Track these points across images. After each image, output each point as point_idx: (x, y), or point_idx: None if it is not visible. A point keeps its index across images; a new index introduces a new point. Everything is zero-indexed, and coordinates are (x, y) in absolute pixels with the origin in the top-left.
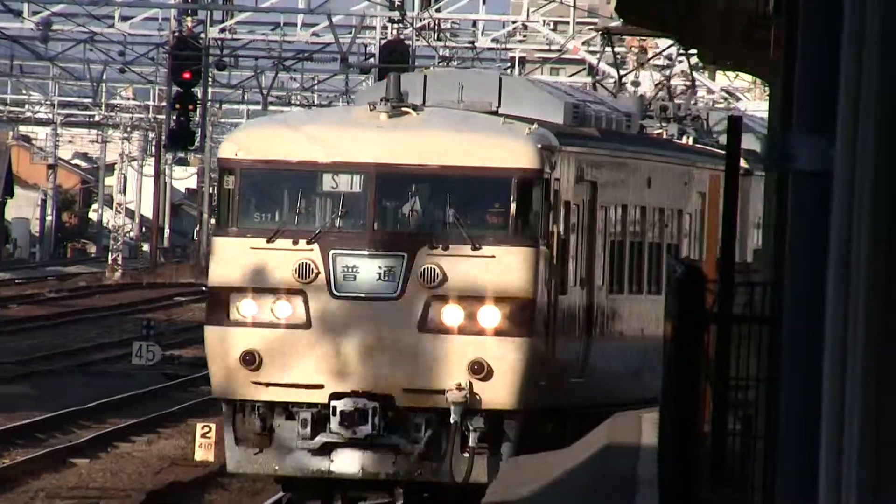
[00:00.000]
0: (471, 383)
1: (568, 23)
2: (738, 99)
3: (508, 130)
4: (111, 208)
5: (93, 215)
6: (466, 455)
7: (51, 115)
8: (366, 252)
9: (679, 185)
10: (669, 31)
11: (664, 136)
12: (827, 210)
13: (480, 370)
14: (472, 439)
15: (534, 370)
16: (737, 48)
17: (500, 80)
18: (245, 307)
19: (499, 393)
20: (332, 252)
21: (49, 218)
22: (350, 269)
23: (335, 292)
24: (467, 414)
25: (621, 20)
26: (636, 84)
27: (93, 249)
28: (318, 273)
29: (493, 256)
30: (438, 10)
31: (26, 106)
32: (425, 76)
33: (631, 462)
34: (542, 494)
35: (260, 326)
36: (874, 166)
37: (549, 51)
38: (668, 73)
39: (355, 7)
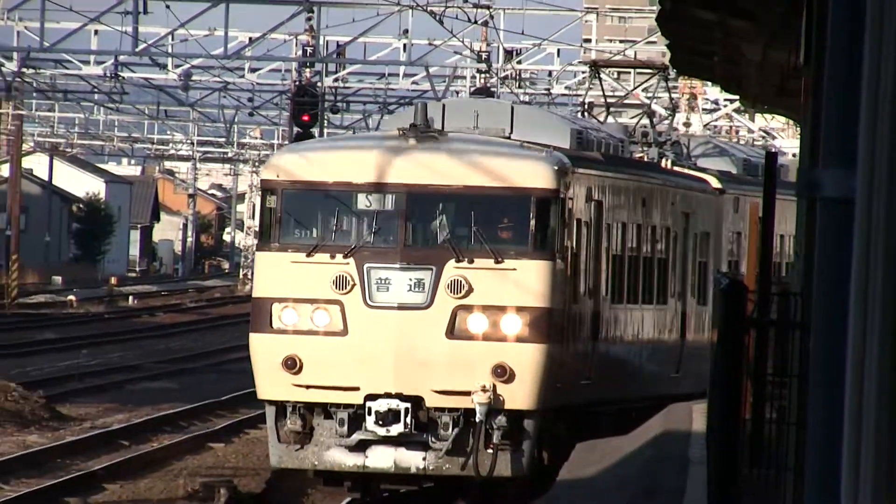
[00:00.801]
0: (494, 385)
1: (630, 72)
2: (774, 137)
3: (527, 154)
4: (242, 231)
5: (226, 237)
6: (490, 451)
7: (191, 153)
8: (397, 265)
9: (667, 205)
10: (716, 80)
11: (645, 160)
12: (849, 231)
13: (503, 373)
14: (495, 437)
15: (551, 373)
16: (772, 94)
17: (512, 108)
18: (286, 316)
19: (519, 394)
20: (366, 265)
21: (189, 239)
22: (383, 281)
23: (370, 302)
24: (491, 413)
25: (676, 71)
26: (687, 125)
27: (226, 266)
28: (354, 285)
29: (515, 269)
30: (519, 63)
31: (170, 144)
32: (444, 105)
33: (683, 445)
34: (608, 473)
35: (300, 334)
36: (888, 194)
37: (613, 96)
38: (651, 98)
39: (449, 60)
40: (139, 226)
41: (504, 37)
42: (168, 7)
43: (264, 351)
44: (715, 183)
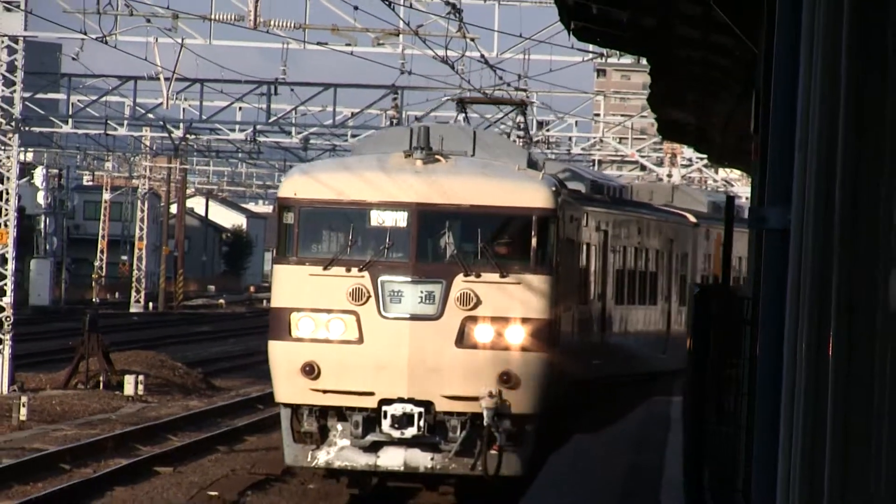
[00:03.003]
0: (500, 391)
1: (628, 138)
2: (732, 185)
3: (526, 176)
4: None
5: None
6: (495, 452)
7: None
8: (410, 279)
9: (658, 233)
10: (690, 143)
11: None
12: (786, 253)
13: (508, 380)
14: (500, 439)
15: (551, 380)
16: (731, 153)
17: (474, 133)
18: (304, 325)
19: (523, 400)
20: (380, 278)
21: None
22: (396, 294)
23: (383, 313)
24: (497, 417)
25: (662, 138)
26: (669, 175)
27: None
28: (370, 296)
29: (518, 283)
30: (548, 130)
31: None
32: (411, 129)
33: (666, 409)
34: (614, 427)
35: (318, 342)
36: (814, 226)
37: (616, 155)
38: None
39: (496, 129)
40: (272, 248)
41: (537, 111)
42: (292, 90)
43: (283, 357)
44: (692, 219)
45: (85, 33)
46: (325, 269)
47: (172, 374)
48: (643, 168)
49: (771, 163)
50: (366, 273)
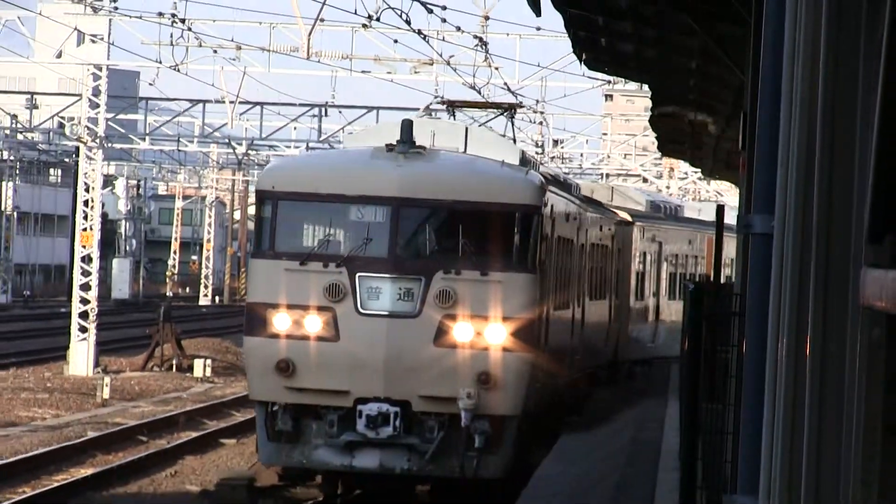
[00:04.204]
0: (478, 392)
1: (632, 154)
2: (722, 195)
3: (510, 171)
4: None
5: None
6: (472, 454)
7: None
8: (388, 275)
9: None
10: (686, 158)
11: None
12: (769, 254)
13: (487, 380)
14: (478, 441)
15: (531, 380)
16: (722, 168)
17: (466, 128)
18: (280, 321)
19: (502, 400)
20: (358, 275)
21: None
22: (374, 290)
23: (361, 310)
24: (475, 418)
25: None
26: (668, 188)
27: None
28: (346, 293)
29: (500, 281)
30: (562, 147)
31: None
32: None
33: (664, 386)
34: (620, 406)
35: (293, 339)
36: (794, 231)
37: (622, 169)
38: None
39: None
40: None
41: (552, 131)
42: (340, 112)
43: (258, 354)
44: (627, 217)
45: (160, 62)
46: (301, 264)
47: (236, 359)
48: (645, 180)
49: (756, 176)
50: (343, 269)
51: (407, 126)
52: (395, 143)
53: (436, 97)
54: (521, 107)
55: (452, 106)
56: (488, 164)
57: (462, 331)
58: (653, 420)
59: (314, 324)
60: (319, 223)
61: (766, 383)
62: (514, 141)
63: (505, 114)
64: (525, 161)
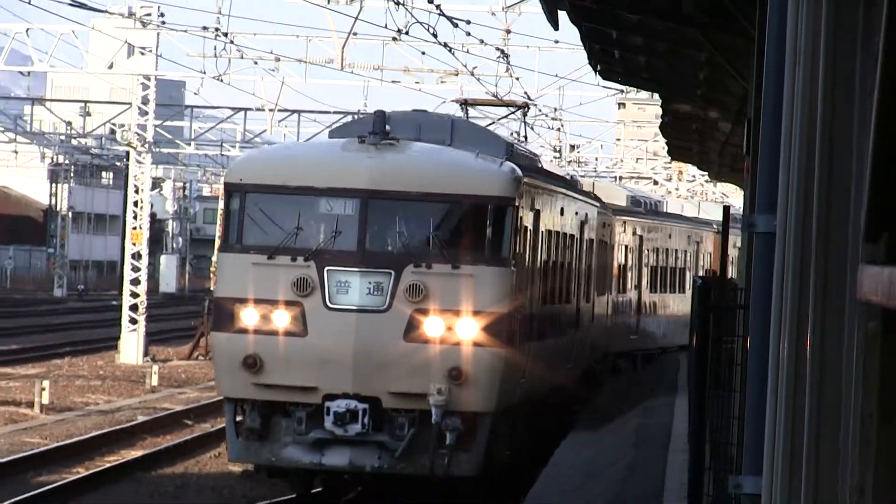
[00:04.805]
0: (449, 388)
1: (644, 158)
2: (728, 196)
3: (483, 163)
4: None
5: None
6: (444, 452)
7: None
8: (357, 269)
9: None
10: (694, 162)
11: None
12: (772, 251)
13: (458, 376)
14: (449, 438)
15: (505, 376)
16: (727, 171)
17: (452, 122)
18: (247, 316)
19: (474, 397)
20: (327, 268)
21: None
22: (343, 284)
23: (329, 304)
24: (446, 415)
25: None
26: (677, 188)
27: None
28: (315, 287)
29: (471, 275)
30: (579, 152)
31: None
32: (389, 116)
33: (674, 374)
34: (632, 391)
35: (261, 334)
36: (794, 230)
37: (634, 172)
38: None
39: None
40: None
41: (569, 137)
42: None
43: (225, 349)
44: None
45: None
46: (269, 258)
47: None
48: (655, 182)
49: (760, 179)
50: (311, 263)
51: (380, 117)
52: (367, 134)
53: (454, 100)
54: (534, 105)
55: (467, 104)
56: (461, 156)
57: (433, 325)
58: (664, 406)
59: (282, 319)
60: (288, 216)
61: (768, 372)
62: (526, 138)
63: (518, 112)
64: (513, 154)
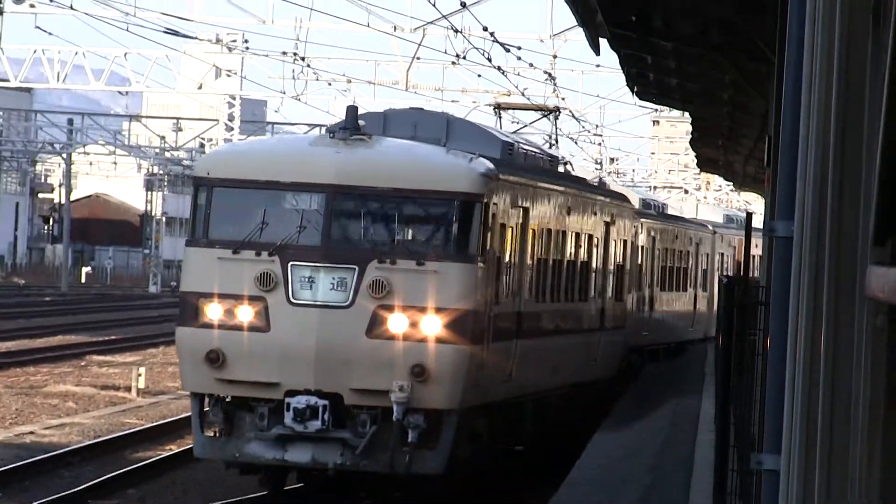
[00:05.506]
0: (412, 385)
1: (675, 170)
2: (750, 203)
3: (452, 158)
4: None
5: None
6: (406, 449)
7: None
8: (320, 264)
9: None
10: (720, 173)
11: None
12: (790, 253)
13: (421, 373)
14: (411, 435)
15: (472, 374)
16: (750, 181)
17: (448, 120)
18: (212, 311)
19: (437, 394)
20: (290, 263)
21: None
22: (306, 279)
23: (292, 300)
24: (408, 412)
25: (700, 170)
26: (705, 197)
27: None
28: (278, 282)
29: (436, 271)
30: (617, 164)
31: None
32: (385, 115)
33: (702, 364)
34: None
35: (224, 329)
36: (811, 234)
37: (667, 182)
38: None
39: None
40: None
41: (609, 151)
42: None
43: (188, 344)
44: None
45: (284, 92)
46: (234, 252)
47: None
48: (686, 191)
49: (779, 188)
50: (276, 257)
51: (351, 112)
52: (336, 129)
53: (488, 104)
54: (564, 109)
55: (500, 108)
56: (431, 151)
57: (396, 322)
58: (693, 391)
59: (245, 314)
60: (254, 210)
61: (787, 361)
62: (557, 141)
63: (549, 116)
64: (511, 152)
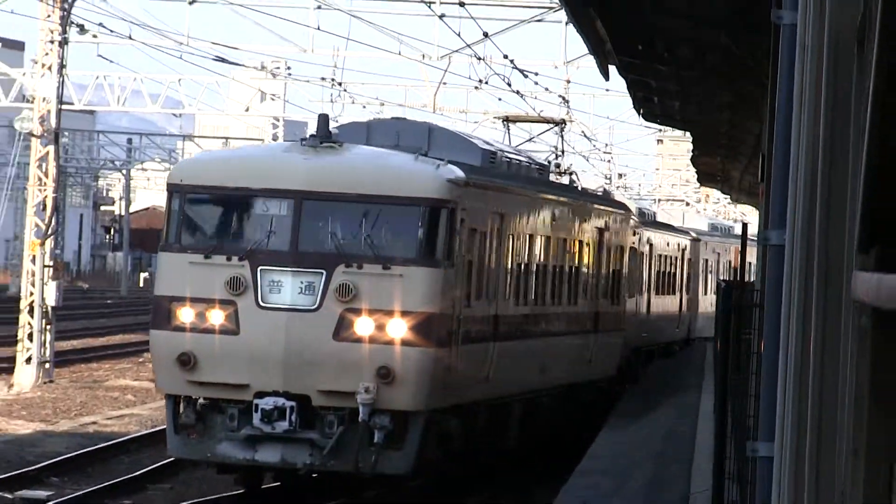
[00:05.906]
0: (378, 387)
1: (678, 184)
2: (746, 215)
3: (420, 165)
4: None
5: None
6: (372, 449)
7: None
8: (289, 268)
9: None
10: (719, 187)
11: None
12: (782, 260)
13: (387, 375)
14: (377, 436)
15: (437, 376)
16: (746, 194)
17: (430, 129)
18: (183, 314)
19: (403, 395)
20: (260, 268)
21: None
22: (275, 284)
23: (261, 303)
24: (375, 413)
25: (700, 184)
26: (705, 209)
27: None
28: (248, 286)
29: (401, 275)
30: (625, 179)
31: None
32: (368, 125)
33: (701, 361)
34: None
35: (196, 332)
36: (800, 242)
37: (670, 195)
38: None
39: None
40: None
41: (618, 167)
42: None
43: (161, 347)
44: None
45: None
46: (205, 257)
47: None
48: (687, 204)
49: (772, 201)
50: (245, 262)
51: (322, 120)
52: (308, 136)
53: (497, 117)
54: (571, 122)
55: (508, 120)
56: (400, 158)
57: (362, 325)
58: (694, 386)
59: (216, 317)
60: (225, 217)
61: (779, 358)
62: (563, 152)
63: (556, 128)
64: (493, 160)
